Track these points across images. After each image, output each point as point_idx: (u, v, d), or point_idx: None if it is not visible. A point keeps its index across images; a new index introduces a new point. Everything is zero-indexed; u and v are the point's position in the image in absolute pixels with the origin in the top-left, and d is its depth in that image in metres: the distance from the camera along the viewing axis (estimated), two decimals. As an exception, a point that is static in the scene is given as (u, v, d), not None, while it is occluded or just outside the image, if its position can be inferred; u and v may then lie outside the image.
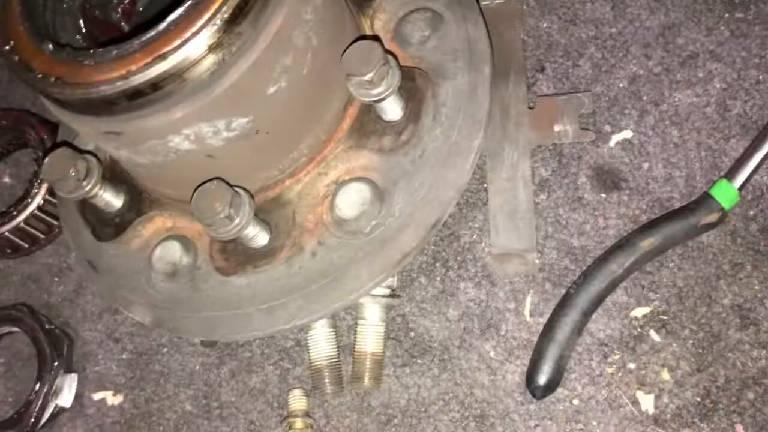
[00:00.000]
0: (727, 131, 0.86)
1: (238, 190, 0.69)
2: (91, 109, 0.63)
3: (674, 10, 0.93)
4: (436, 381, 0.84)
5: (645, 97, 0.90)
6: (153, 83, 0.59)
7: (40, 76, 0.63)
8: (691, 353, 0.79)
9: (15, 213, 0.98)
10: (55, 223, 1.01)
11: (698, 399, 0.77)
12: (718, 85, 0.88)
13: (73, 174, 0.75)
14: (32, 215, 0.98)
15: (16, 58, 0.65)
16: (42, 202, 0.98)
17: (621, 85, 0.91)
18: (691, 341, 0.79)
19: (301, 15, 0.65)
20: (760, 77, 0.87)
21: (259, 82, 0.64)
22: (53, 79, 0.62)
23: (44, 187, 0.99)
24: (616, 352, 0.80)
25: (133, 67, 0.59)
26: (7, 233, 0.98)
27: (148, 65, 0.58)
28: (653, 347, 0.80)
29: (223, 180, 0.69)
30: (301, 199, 0.76)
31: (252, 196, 0.71)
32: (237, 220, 0.69)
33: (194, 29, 0.58)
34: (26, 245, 1.01)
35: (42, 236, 1.02)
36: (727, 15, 0.91)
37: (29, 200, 0.98)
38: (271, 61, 0.64)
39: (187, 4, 0.59)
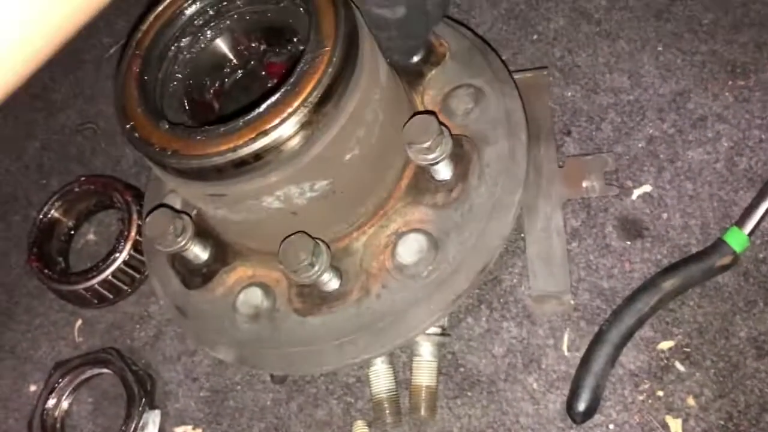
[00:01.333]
0: (735, 184, 0.95)
1: (317, 241, 0.81)
2: (200, 176, 0.75)
3: (684, 78, 1.04)
4: (485, 411, 0.93)
5: (661, 156, 1.00)
6: (255, 154, 0.72)
7: (158, 149, 0.76)
8: (713, 381, 0.87)
9: (104, 267, 1.10)
10: (137, 275, 1.13)
11: (722, 422, 0.85)
12: (725, 144, 0.98)
13: (171, 230, 0.88)
14: (118, 269, 1.10)
15: (137, 135, 0.78)
16: (127, 257, 1.11)
17: (640, 145, 1.01)
18: (712, 370, 0.87)
19: (371, 96, 0.79)
20: (763, 136, 0.97)
21: (338, 151, 0.77)
22: (170, 152, 0.75)
23: (129, 243, 1.11)
24: (645, 381, 0.89)
25: (240, 142, 0.71)
26: (96, 285, 1.10)
27: (252, 140, 0.71)
28: (679, 376, 0.88)
29: (306, 233, 0.81)
30: (367, 248, 0.88)
31: (328, 246, 0.83)
32: (317, 267, 0.80)
33: (290, 110, 0.71)
34: (111, 296, 1.13)
35: (126, 288, 1.13)
36: (730, 83, 1.02)
37: (117, 255, 1.10)
38: (348, 134, 0.77)
39: (283, 89, 0.72)
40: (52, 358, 1.15)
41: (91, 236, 1.24)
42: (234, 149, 0.71)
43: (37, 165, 1.36)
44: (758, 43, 1.04)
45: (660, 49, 1.08)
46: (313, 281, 0.82)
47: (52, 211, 1.18)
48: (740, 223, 0.91)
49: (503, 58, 1.13)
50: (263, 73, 0.94)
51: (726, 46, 1.05)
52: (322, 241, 0.83)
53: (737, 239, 0.89)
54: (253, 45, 0.92)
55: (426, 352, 0.93)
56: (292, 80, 0.72)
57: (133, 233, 1.11)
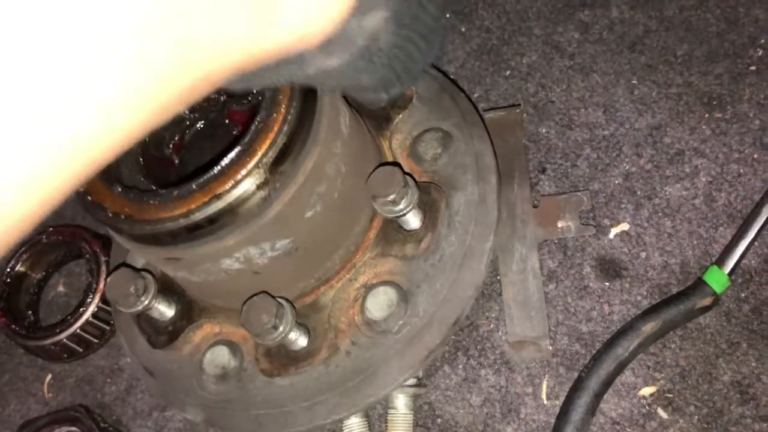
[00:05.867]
0: (715, 220, 0.94)
1: (281, 300, 0.78)
2: (155, 240, 0.73)
3: (660, 112, 1.02)
4: (464, 464, 0.91)
5: (639, 192, 0.98)
6: (210, 218, 0.69)
7: (111, 214, 0.73)
8: (697, 428, 0.85)
9: (72, 320, 1.07)
10: (107, 328, 1.10)
11: (707, 472, 0.83)
12: (704, 179, 0.96)
13: (133, 291, 0.85)
14: (87, 322, 1.07)
15: (90, 198, 0.75)
16: (96, 309, 1.08)
17: (616, 181, 1.00)
18: (696, 417, 0.85)
19: (332, 150, 0.76)
20: (741, 170, 0.95)
21: (298, 208, 0.74)
22: (123, 217, 0.72)
23: (98, 296, 1.08)
24: (627, 429, 0.86)
25: (193, 206, 0.69)
26: (64, 339, 1.07)
27: (205, 204, 0.68)
28: (662, 424, 0.86)
29: (268, 293, 0.78)
30: (335, 303, 0.85)
31: (292, 305, 0.80)
32: (281, 329, 0.77)
33: (244, 172, 0.68)
34: (81, 350, 1.10)
35: (95, 341, 1.10)
36: (707, 115, 1.00)
37: (84, 308, 1.07)
38: (308, 191, 0.74)
39: (237, 150, 0.70)
40: (21, 415, 1.12)
41: (61, 288, 1.21)
42: (187, 214, 0.69)
43: (7, 213, 1.33)
44: (734, 74, 1.02)
45: (634, 81, 1.06)
46: (278, 343, 0.79)
47: (19, 265, 1.15)
48: (720, 262, 0.89)
49: (476, 95, 1.12)
50: (226, 121, 0.91)
51: (701, 77, 1.03)
52: (287, 300, 0.80)
53: (717, 279, 0.87)
54: (213, 96, 0.89)
55: (401, 405, 0.91)
56: (245, 140, 0.70)
57: (101, 285, 1.08)
